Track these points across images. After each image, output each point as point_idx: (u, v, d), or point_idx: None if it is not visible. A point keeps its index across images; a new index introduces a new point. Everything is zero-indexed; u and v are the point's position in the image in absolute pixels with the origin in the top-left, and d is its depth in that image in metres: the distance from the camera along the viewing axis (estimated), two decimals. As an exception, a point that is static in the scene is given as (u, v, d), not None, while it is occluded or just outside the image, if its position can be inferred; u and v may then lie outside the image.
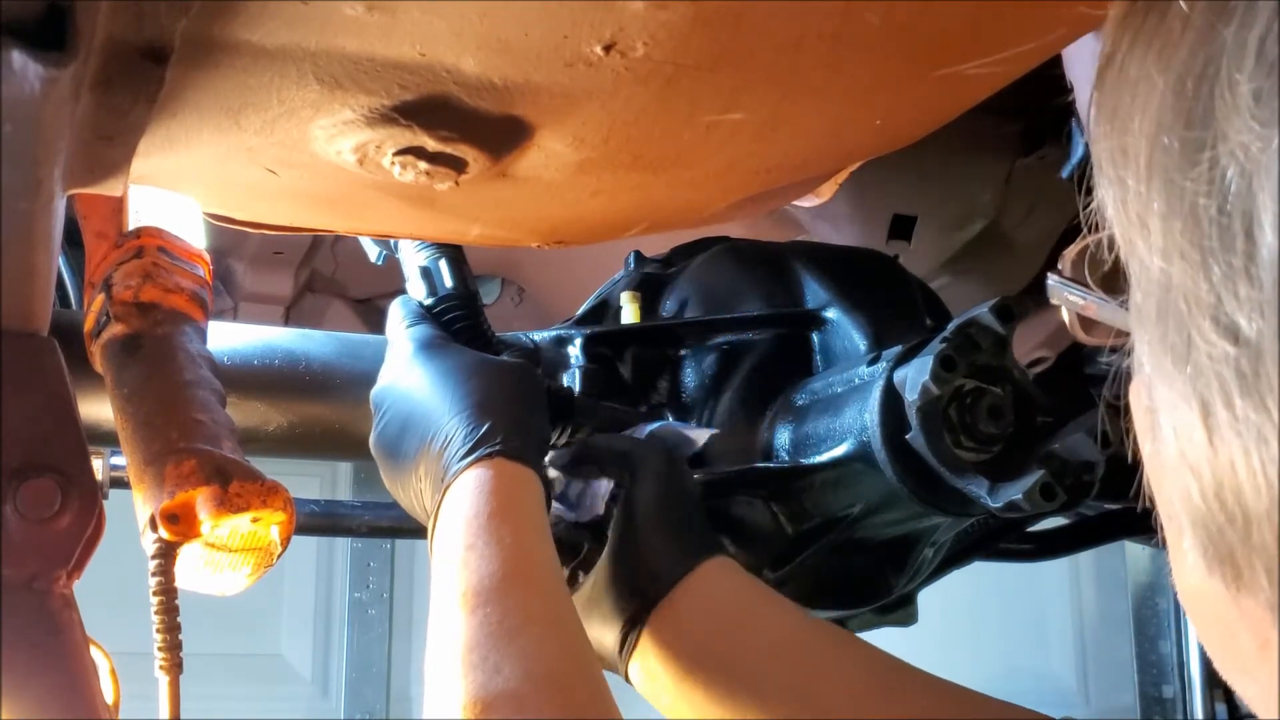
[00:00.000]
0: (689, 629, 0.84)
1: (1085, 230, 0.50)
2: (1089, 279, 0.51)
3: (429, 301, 1.04)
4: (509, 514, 0.81)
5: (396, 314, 1.02)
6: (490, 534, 0.79)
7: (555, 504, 0.94)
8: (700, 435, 0.97)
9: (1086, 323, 0.53)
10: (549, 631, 0.77)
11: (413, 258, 1.06)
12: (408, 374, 0.94)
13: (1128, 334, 0.48)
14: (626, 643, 0.84)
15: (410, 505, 0.91)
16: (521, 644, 0.74)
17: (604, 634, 0.86)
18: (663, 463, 0.91)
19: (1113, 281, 0.50)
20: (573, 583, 0.90)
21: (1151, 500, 0.48)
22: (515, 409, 0.88)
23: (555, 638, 0.77)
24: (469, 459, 0.83)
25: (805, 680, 0.81)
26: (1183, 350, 0.41)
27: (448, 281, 1.05)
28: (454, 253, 1.06)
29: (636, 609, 0.85)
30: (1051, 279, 0.54)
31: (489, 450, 0.83)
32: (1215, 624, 0.46)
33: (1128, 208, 0.44)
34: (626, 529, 0.88)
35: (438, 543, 0.82)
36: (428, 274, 1.05)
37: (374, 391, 0.97)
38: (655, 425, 0.99)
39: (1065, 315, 0.54)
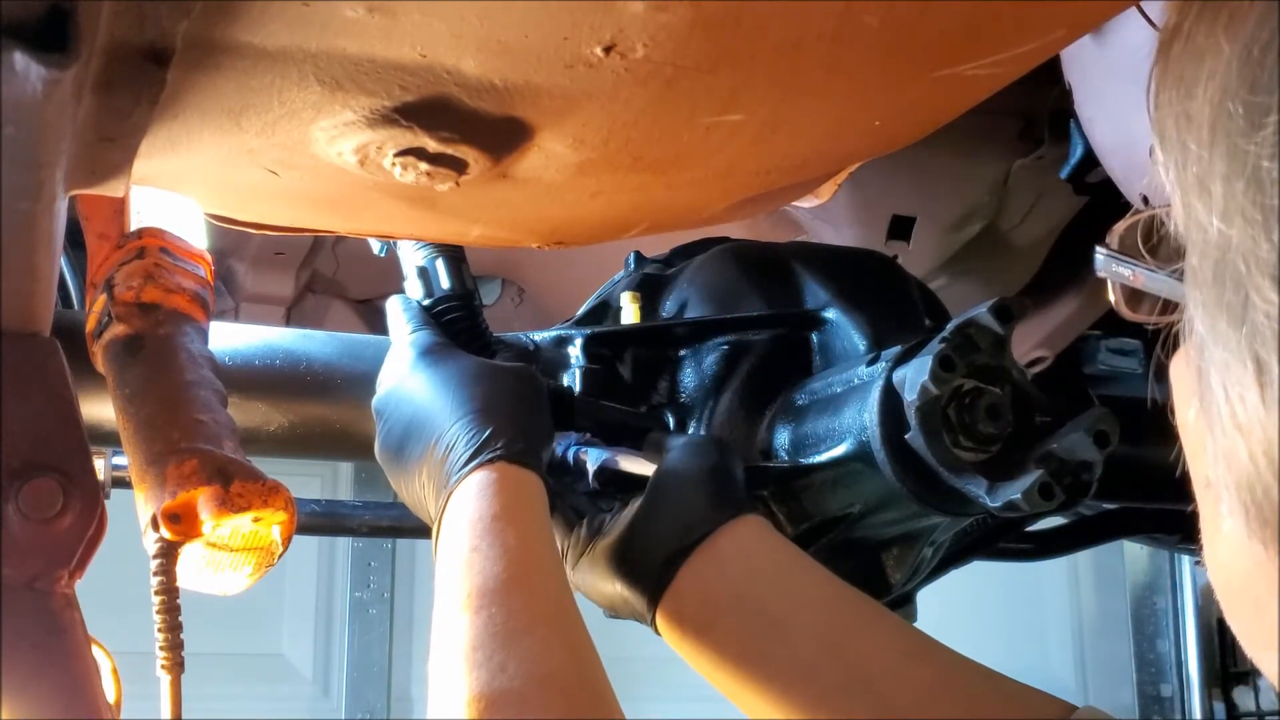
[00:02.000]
0: (721, 579, 0.84)
1: (1138, 206, 0.52)
2: (1138, 252, 0.53)
3: (427, 302, 1.04)
4: (513, 516, 0.81)
5: (398, 315, 1.02)
6: (494, 536, 0.80)
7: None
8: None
9: (1132, 298, 0.54)
10: (554, 633, 0.77)
11: (411, 257, 1.07)
12: (409, 380, 0.94)
13: (1173, 308, 0.49)
14: (657, 589, 0.85)
15: (417, 510, 0.91)
16: (526, 644, 0.75)
17: (632, 581, 0.86)
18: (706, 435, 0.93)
19: (1158, 256, 0.51)
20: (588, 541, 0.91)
21: (1185, 472, 0.49)
22: (517, 413, 0.88)
23: (560, 639, 0.77)
24: (472, 464, 0.84)
25: (837, 636, 0.82)
26: (1239, 309, 0.42)
27: (444, 282, 1.05)
28: (453, 252, 1.06)
29: (670, 556, 0.85)
30: (1099, 252, 0.55)
31: (491, 455, 0.84)
32: (1245, 597, 0.46)
33: (1188, 172, 0.45)
34: (663, 482, 0.89)
35: (442, 546, 0.83)
36: (425, 274, 1.05)
37: (376, 399, 0.97)
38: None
39: (1110, 291, 0.55)
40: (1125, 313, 0.55)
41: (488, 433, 0.85)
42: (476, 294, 1.07)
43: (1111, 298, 0.55)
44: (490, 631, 0.75)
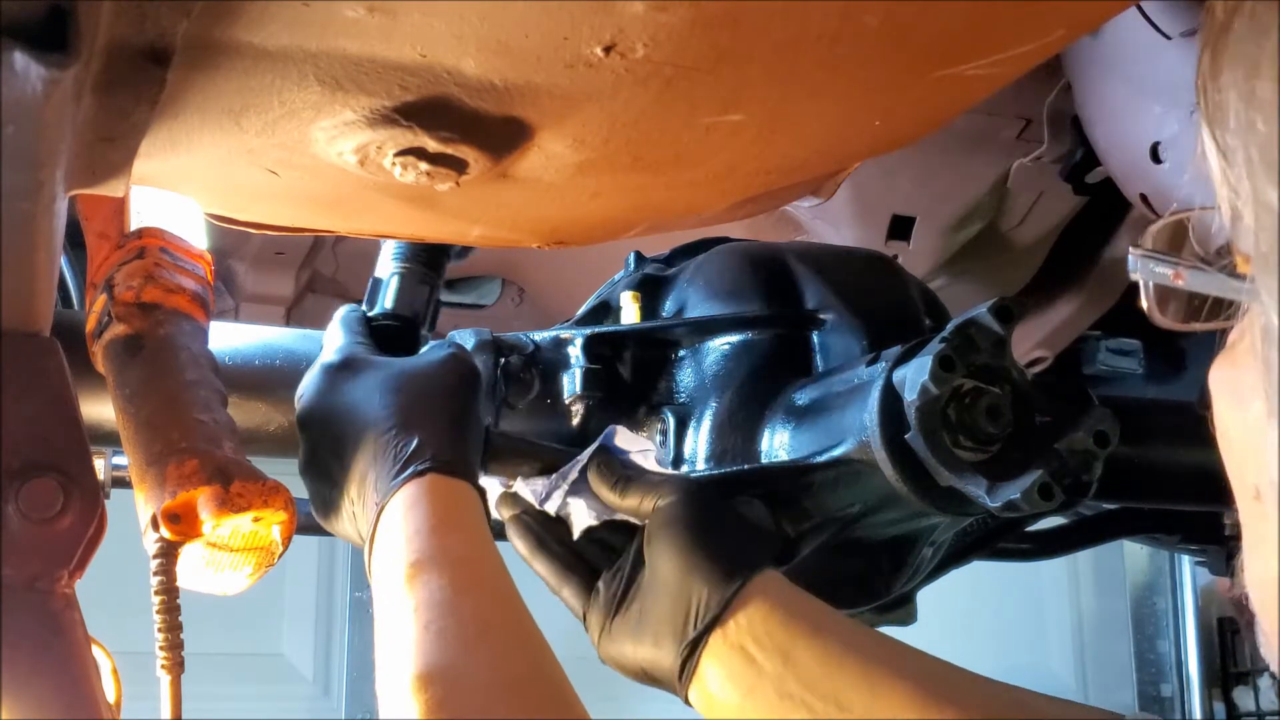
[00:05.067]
0: (744, 652, 0.81)
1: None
2: (1182, 251, 0.52)
3: (372, 314, 1.02)
4: (449, 528, 0.80)
5: (333, 323, 1.00)
6: (433, 549, 0.78)
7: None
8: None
9: (1164, 301, 0.53)
10: (509, 638, 0.76)
11: (382, 265, 1.05)
12: (330, 394, 0.91)
13: (1202, 307, 0.48)
14: (685, 669, 0.82)
15: (345, 531, 0.88)
16: (481, 653, 0.74)
17: (660, 657, 0.84)
18: (687, 482, 0.90)
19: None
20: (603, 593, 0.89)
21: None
22: (442, 421, 0.86)
23: (516, 644, 0.77)
24: (400, 479, 0.82)
25: (867, 695, 0.79)
26: None
27: (388, 301, 1.03)
28: (422, 272, 1.04)
29: (690, 637, 0.82)
30: (1134, 252, 0.54)
31: (419, 468, 0.82)
32: None
33: (1255, 152, 0.45)
34: (665, 552, 0.85)
35: (378, 565, 0.81)
36: (375, 286, 1.04)
37: (298, 414, 0.93)
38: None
39: (1143, 295, 0.54)
40: (1157, 318, 0.53)
41: (413, 445, 0.83)
42: (423, 318, 1.04)
43: (1144, 303, 0.54)
44: (443, 644, 0.74)
